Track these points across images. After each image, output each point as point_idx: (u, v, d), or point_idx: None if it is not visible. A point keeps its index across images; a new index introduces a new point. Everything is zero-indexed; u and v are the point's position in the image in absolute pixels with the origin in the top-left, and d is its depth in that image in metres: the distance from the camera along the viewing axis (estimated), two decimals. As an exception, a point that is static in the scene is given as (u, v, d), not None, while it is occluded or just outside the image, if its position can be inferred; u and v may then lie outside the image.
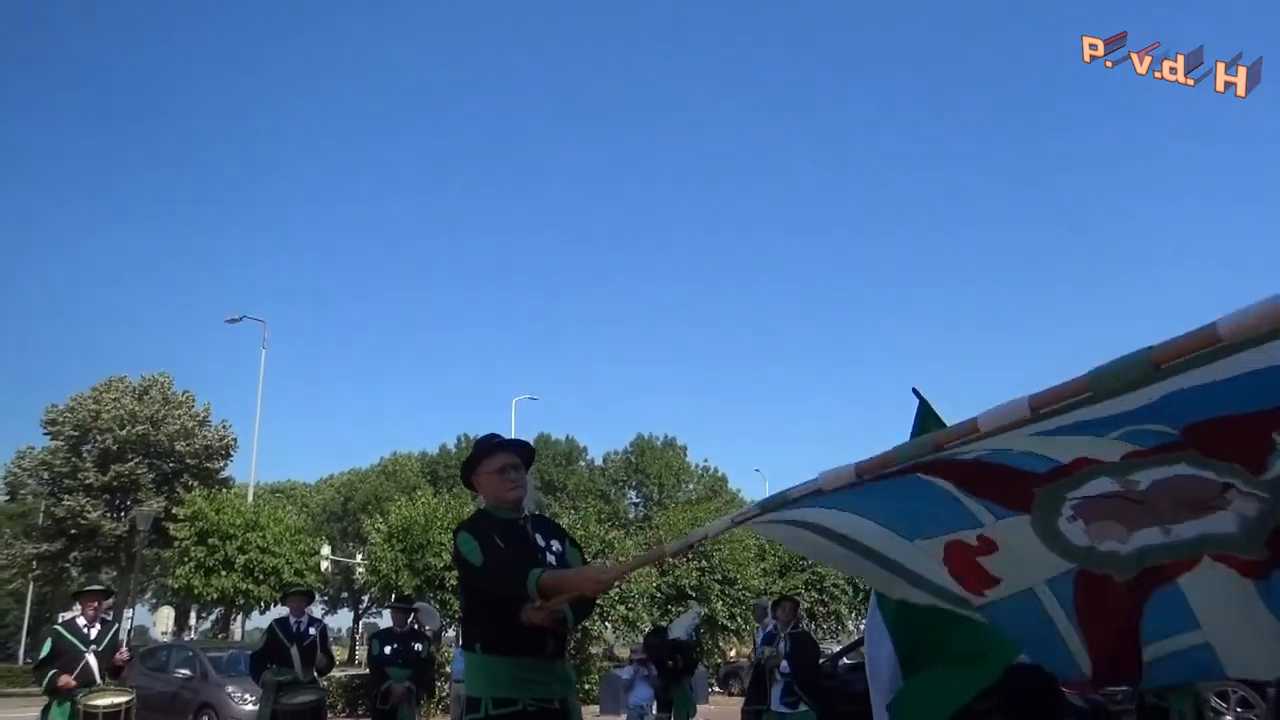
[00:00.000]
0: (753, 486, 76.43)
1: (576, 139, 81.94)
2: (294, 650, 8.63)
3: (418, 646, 9.47)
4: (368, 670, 10.38)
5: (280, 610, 11.29)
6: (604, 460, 53.43)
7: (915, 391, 4.98)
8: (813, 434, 77.32)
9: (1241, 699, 10.26)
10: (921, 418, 4.92)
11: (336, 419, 78.18)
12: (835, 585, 35.59)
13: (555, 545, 3.39)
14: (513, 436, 3.64)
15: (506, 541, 3.27)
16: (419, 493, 26.86)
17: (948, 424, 4.91)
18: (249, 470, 35.44)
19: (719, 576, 31.87)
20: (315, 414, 79.77)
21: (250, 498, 30.39)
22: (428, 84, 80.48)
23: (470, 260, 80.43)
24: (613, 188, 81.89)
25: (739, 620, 32.01)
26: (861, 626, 36.48)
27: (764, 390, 79.71)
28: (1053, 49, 62.12)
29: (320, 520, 48.37)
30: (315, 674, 8.91)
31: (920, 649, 4.52)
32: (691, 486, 51.87)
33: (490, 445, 3.47)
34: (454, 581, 22.26)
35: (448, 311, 78.60)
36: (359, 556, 38.71)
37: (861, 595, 36.74)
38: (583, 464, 53.31)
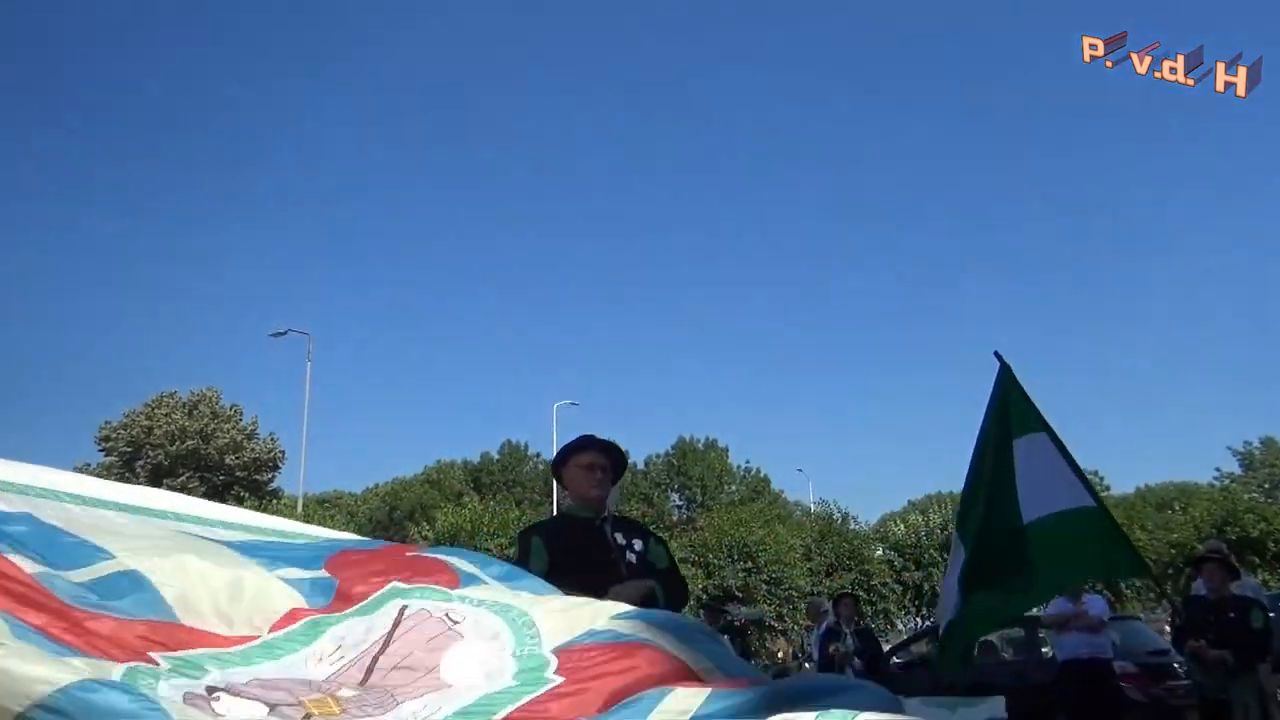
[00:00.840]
0: (796, 486, 76.20)
1: (614, 137, 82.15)
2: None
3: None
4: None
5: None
6: (646, 463, 53.40)
7: (997, 355, 5.26)
8: (856, 432, 76.69)
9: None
10: (1003, 384, 5.20)
11: (380, 428, 78.84)
12: (883, 584, 35.27)
13: (637, 544, 3.43)
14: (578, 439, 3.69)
15: (576, 541, 3.33)
16: (465, 499, 27.10)
17: (1028, 394, 5.34)
18: (297, 482, 35.92)
19: (765, 577, 31.75)
20: (359, 424, 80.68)
21: (300, 509, 30.89)
22: (465, 85, 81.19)
23: (510, 265, 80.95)
24: (652, 187, 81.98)
25: (787, 620, 31.84)
26: (911, 626, 36.09)
27: (806, 389, 79.24)
28: (1053, 49, 61.00)
29: (367, 530, 48.90)
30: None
31: (982, 570, 5.04)
32: (734, 488, 51.70)
33: (582, 442, 3.58)
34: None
35: (488, 318, 79.05)
36: (406, 564, 39.04)
37: (910, 594, 36.42)
38: (625, 468, 53.40)
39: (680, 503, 51.21)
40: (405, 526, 45.74)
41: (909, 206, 78.18)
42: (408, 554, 2.31)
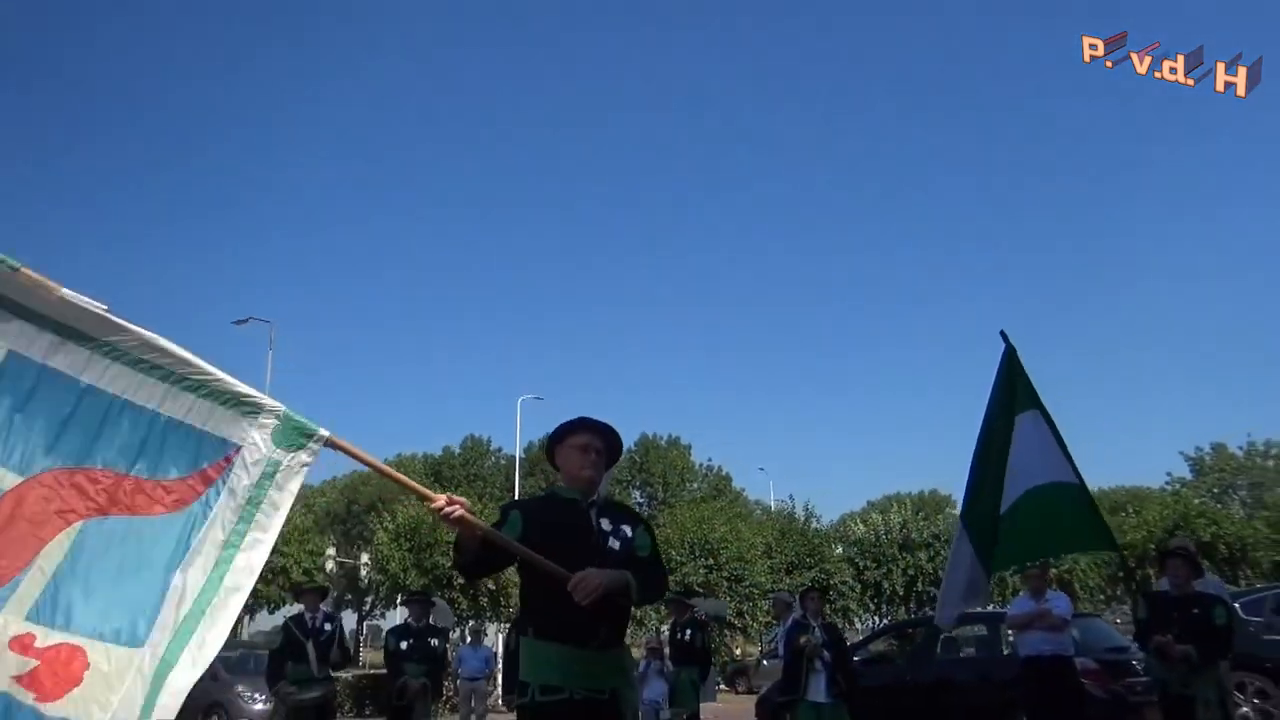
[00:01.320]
0: (757, 486, 76.52)
1: (580, 137, 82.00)
2: (310, 646, 8.59)
3: (434, 641, 9.42)
4: (385, 668, 10.35)
5: (293, 609, 11.22)
6: (608, 460, 53.39)
7: (1003, 335, 5.51)
8: (817, 433, 77.29)
9: (1259, 690, 10.13)
10: (1008, 362, 5.48)
11: (340, 420, 78.18)
12: (843, 582, 35.53)
13: (625, 530, 3.37)
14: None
15: (557, 519, 3.30)
16: (426, 492, 26.86)
17: (1029, 376, 5.73)
18: (254, 472, 35.35)
19: (726, 574, 31.81)
20: (320, 414, 78.64)
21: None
22: (432, 82, 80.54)
23: (474, 261, 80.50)
24: (617, 186, 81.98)
25: (746, 617, 31.93)
26: (870, 624, 36.24)
27: (768, 389, 79.72)
28: (1053, 49, 62.04)
29: (325, 523, 48.34)
30: (329, 669, 8.85)
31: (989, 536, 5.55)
32: (696, 486, 51.83)
33: (578, 423, 3.55)
34: (462, 580, 22.20)
35: (451, 312, 78.71)
36: (364, 557, 38.69)
37: (870, 592, 36.73)
38: (587, 463, 53.14)
39: (642, 499, 51.22)
40: (364, 520, 45.26)
41: (882, 211, 78.99)
42: (57, 530, 2.50)
